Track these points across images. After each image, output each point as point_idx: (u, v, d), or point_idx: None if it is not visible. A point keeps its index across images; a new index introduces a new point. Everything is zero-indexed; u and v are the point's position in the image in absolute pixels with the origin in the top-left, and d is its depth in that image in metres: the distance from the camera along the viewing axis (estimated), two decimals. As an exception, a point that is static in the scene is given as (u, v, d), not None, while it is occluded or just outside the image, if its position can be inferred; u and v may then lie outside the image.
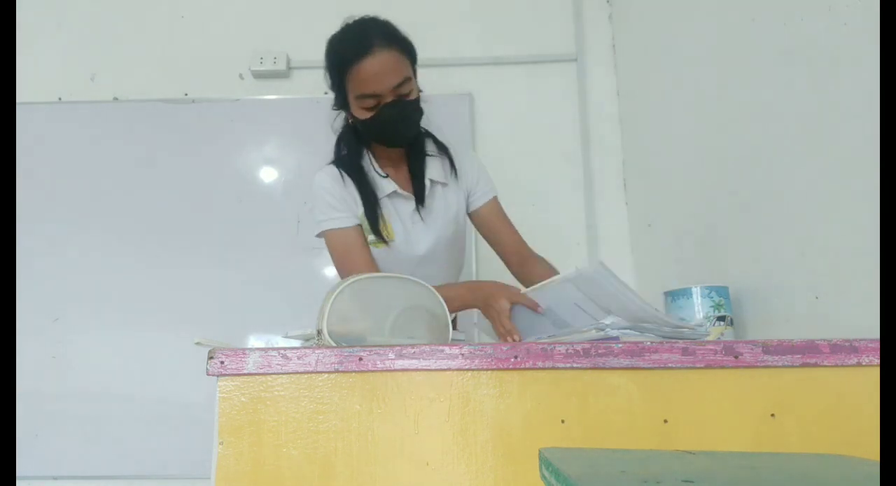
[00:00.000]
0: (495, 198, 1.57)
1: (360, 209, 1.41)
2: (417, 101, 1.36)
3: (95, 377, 2.21)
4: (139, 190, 2.37)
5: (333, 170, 1.43)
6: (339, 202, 1.39)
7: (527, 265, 1.52)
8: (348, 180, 1.42)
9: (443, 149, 1.51)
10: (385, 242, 1.42)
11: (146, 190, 2.37)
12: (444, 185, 1.49)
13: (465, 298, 1.28)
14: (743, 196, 1.55)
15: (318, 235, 1.43)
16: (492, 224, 1.55)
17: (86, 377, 2.21)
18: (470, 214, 1.57)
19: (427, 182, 1.46)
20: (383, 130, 1.35)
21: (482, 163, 1.59)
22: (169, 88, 2.49)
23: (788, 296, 1.31)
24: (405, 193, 1.45)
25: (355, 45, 1.28)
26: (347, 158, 1.44)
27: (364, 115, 1.33)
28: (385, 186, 1.43)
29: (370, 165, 1.45)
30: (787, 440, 0.76)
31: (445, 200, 1.50)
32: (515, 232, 1.56)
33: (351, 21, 1.34)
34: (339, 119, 1.46)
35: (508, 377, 0.80)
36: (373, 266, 1.37)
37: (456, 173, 1.51)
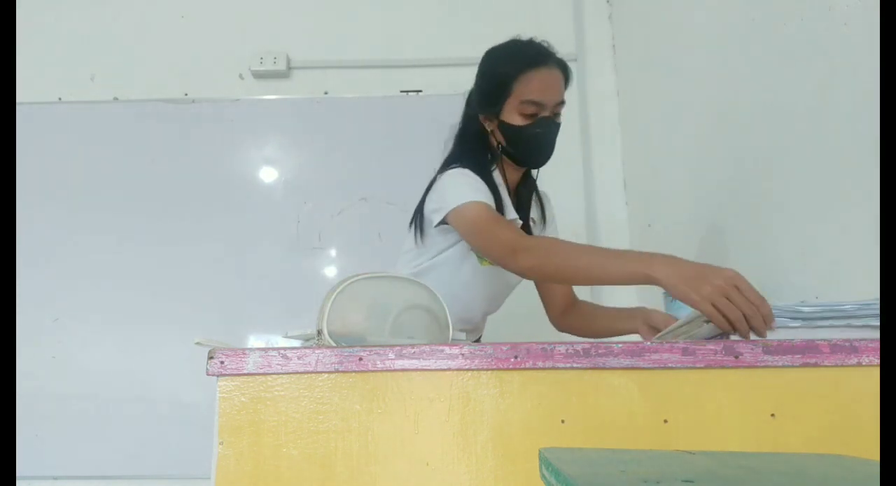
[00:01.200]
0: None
1: None
2: (559, 127, 1.37)
3: (95, 377, 2.21)
4: (139, 190, 2.37)
5: (471, 172, 1.36)
6: (482, 186, 1.32)
7: (575, 307, 1.53)
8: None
9: (537, 193, 1.53)
10: (489, 263, 1.38)
11: (146, 190, 2.37)
12: (535, 224, 1.51)
13: (650, 263, 1.01)
14: (743, 196, 1.55)
15: (446, 216, 1.31)
16: None
17: (86, 377, 2.21)
18: None
19: (531, 221, 1.47)
20: (531, 142, 1.35)
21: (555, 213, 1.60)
22: (169, 88, 2.49)
23: (788, 296, 1.31)
24: (518, 220, 1.40)
25: (535, 54, 1.33)
26: (480, 166, 1.38)
27: (519, 121, 1.33)
28: (511, 212, 1.38)
29: (501, 182, 1.40)
30: (787, 440, 0.76)
31: None
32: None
33: (521, 39, 1.39)
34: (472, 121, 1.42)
35: (508, 377, 0.80)
36: (523, 233, 1.27)
37: (545, 221, 1.54)
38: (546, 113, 1.33)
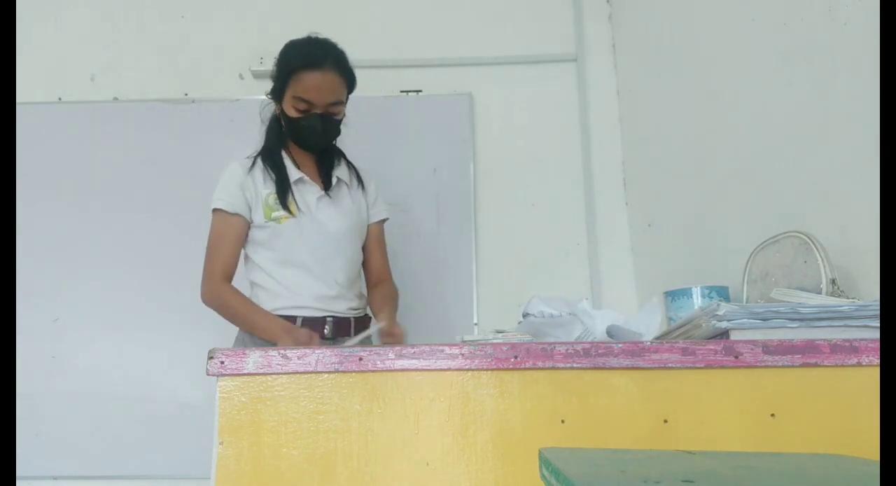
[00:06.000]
0: (385, 221, 1.75)
1: (266, 191, 1.54)
2: (339, 122, 1.57)
3: (95, 377, 2.21)
4: (139, 190, 2.37)
5: (247, 162, 1.59)
6: (238, 190, 1.54)
7: (378, 287, 1.68)
8: (257, 170, 1.57)
9: (351, 167, 1.70)
10: (292, 213, 1.54)
11: (146, 190, 2.37)
12: (349, 186, 1.66)
13: (279, 333, 1.44)
14: (743, 196, 1.55)
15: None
16: (372, 242, 1.71)
17: (86, 377, 2.21)
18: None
19: (334, 178, 1.62)
20: (302, 132, 1.54)
21: (379, 188, 1.77)
22: (169, 88, 2.49)
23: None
24: (312, 181, 1.60)
25: (311, 55, 1.48)
26: (271, 146, 1.61)
27: (293, 114, 1.52)
28: (294, 172, 1.58)
29: (285, 155, 1.61)
30: (787, 440, 0.76)
31: (351, 197, 1.65)
32: (385, 256, 1.74)
33: (315, 36, 1.54)
34: (268, 108, 1.63)
35: (508, 377, 0.80)
36: (235, 261, 1.54)
37: (363, 186, 1.70)
38: (318, 110, 1.50)
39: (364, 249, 1.70)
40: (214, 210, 1.56)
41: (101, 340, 2.24)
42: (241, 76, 2.52)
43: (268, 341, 1.45)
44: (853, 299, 0.96)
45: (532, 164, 2.43)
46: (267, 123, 1.65)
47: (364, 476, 0.77)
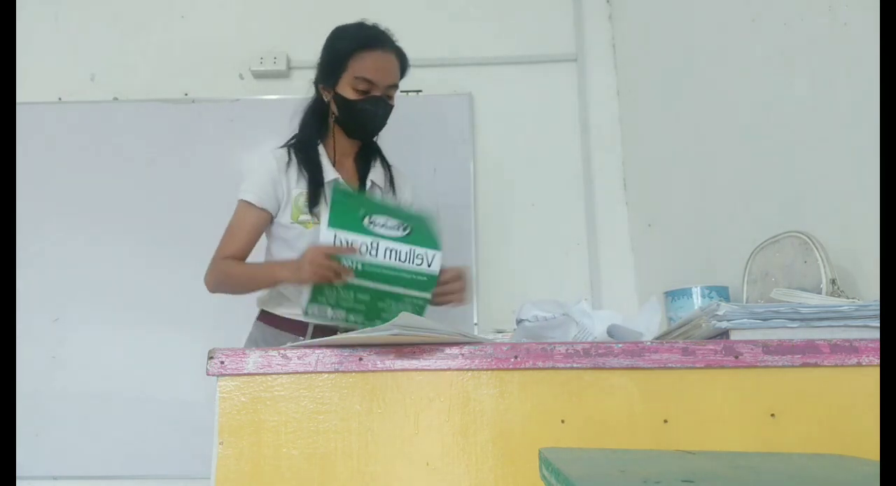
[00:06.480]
0: None
1: (298, 191, 1.49)
2: (391, 109, 1.51)
3: (95, 377, 2.21)
4: (139, 190, 2.37)
5: (283, 154, 1.52)
6: (269, 186, 1.48)
7: None
8: (293, 167, 1.50)
9: (386, 165, 1.64)
10: (319, 221, 1.47)
11: (146, 190, 2.37)
12: (382, 190, 1.60)
13: (275, 269, 1.40)
14: (743, 196, 1.55)
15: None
16: None
17: (86, 377, 2.21)
18: None
19: (368, 182, 1.57)
20: (358, 116, 1.48)
21: (416, 192, 1.69)
22: (169, 88, 2.49)
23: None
24: (347, 181, 1.53)
25: (373, 36, 1.47)
26: (307, 138, 1.55)
27: (351, 95, 1.46)
28: (330, 172, 1.52)
29: (323, 151, 1.54)
30: (787, 440, 0.76)
31: None
32: None
33: (366, 22, 1.52)
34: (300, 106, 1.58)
35: (508, 377, 0.80)
36: (245, 252, 1.49)
37: (394, 190, 1.62)
38: (378, 92, 1.46)
39: None
40: (241, 200, 1.49)
41: (101, 340, 2.24)
42: (241, 76, 2.52)
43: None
44: (853, 299, 0.96)
45: (532, 164, 2.43)
46: (301, 115, 1.59)
47: (364, 476, 0.77)
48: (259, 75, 2.50)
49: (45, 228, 2.33)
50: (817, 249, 1.11)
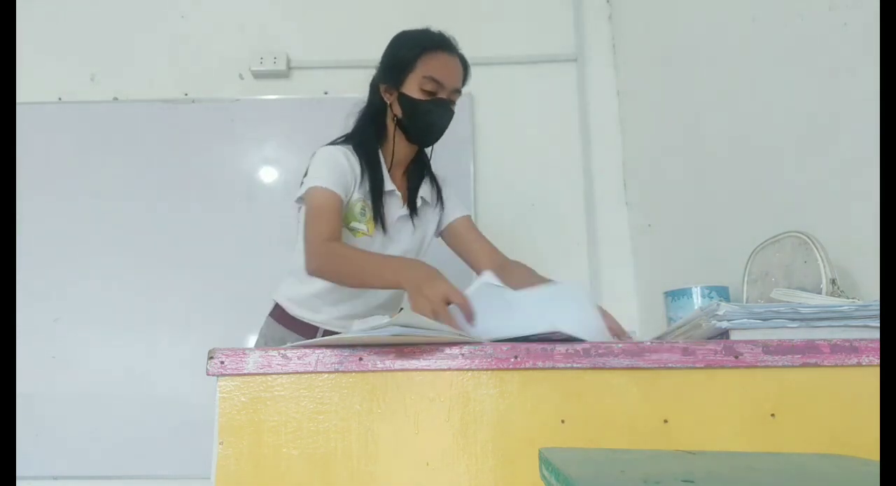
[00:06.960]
0: (469, 215, 1.63)
1: (357, 196, 1.44)
2: (452, 115, 1.47)
3: (95, 377, 2.21)
4: (139, 190, 2.37)
5: (347, 149, 1.46)
6: (340, 175, 1.40)
7: (506, 270, 1.47)
8: (356, 164, 1.44)
9: (433, 181, 1.60)
10: (369, 232, 1.45)
11: (146, 190, 2.37)
12: (430, 205, 1.58)
13: (398, 270, 1.18)
14: (743, 196, 1.55)
15: (301, 197, 1.41)
16: (467, 235, 1.59)
17: (86, 377, 2.21)
18: (443, 231, 1.62)
19: (419, 199, 1.54)
20: (423, 117, 1.43)
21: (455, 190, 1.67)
22: (169, 88, 2.49)
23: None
24: (398, 194, 1.50)
25: (442, 39, 1.46)
26: (367, 141, 1.48)
27: (419, 95, 1.42)
28: (387, 182, 1.48)
29: (385, 160, 1.50)
30: (787, 440, 0.76)
31: (425, 218, 1.57)
32: (488, 241, 1.58)
33: (431, 29, 1.50)
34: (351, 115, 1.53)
35: (508, 377, 0.80)
36: (339, 235, 1.36)
37: (443, 204, 1.59)
38: (444, 94, 1.43)
39: (460, 249, 1.59)
40: (315, 187, 1.38)
41: (101, 340, 2.24)
42: (241, 76, 2.52)
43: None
44: (853, 299, 0.96)
45: (532, 164, 2.43)
46: (357, 115, 1.53)
47: (364, 476, 0.77)
48: (259, 75, 2.50)
49: (45, 228, 2.33)
50: (817, 249, 1.11)
